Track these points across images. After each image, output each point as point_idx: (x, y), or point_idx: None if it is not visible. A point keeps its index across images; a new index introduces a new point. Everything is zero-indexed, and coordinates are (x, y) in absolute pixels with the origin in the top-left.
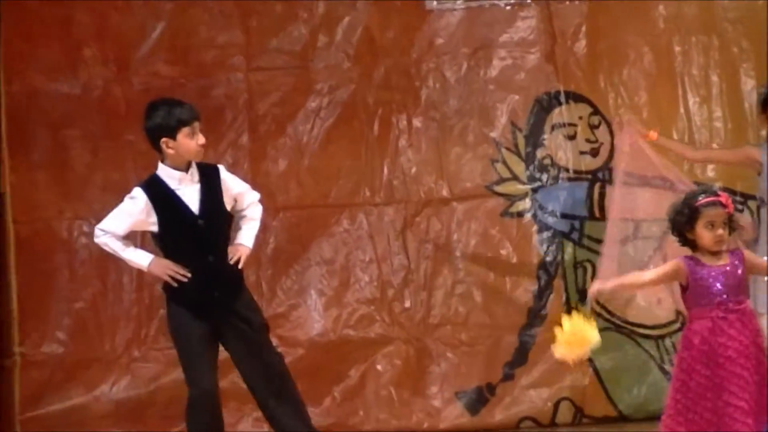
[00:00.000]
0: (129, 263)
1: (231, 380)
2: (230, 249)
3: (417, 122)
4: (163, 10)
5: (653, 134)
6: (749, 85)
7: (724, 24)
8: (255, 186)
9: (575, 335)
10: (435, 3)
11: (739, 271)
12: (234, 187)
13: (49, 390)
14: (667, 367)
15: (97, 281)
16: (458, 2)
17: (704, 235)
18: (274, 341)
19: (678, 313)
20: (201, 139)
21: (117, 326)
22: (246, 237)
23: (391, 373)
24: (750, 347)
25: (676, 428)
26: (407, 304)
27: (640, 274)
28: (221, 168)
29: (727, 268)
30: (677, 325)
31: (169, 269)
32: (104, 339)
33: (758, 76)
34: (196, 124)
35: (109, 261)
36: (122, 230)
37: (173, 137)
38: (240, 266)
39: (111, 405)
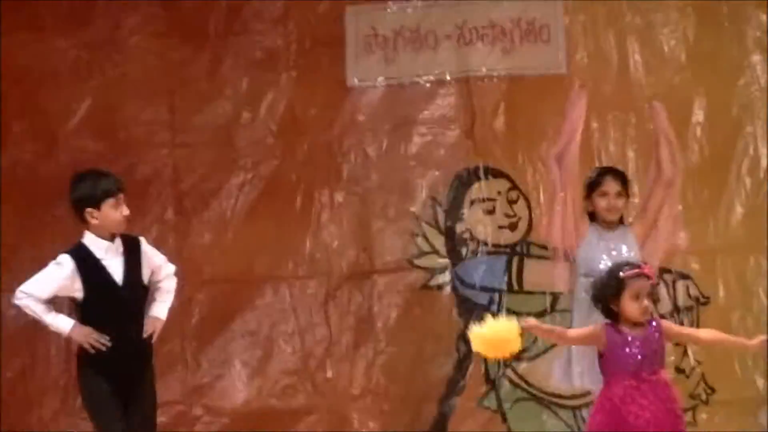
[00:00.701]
0: (50, 327)
1: None
2: (146, 322)
3: (339, 197)
4: (89, 87)
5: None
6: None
7: (641, 102)
8: (180, 259)
9: (497, 337)
10: (356, 80)
11: (657, 341)
12: (153, 259)
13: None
14: None
15: (26, 353)
16: (379, 80)
17: (630, 306)
18: (200, 412)
19: None
20: (125, 211)
21: (45, 396)
22: (160, 310)
23: None
24: (662, 418)
25: None
26: (329, 374)
27: (565, 330)
28: (142, 240)
29: (648, 336)
30: (593, 396)
31: (90, 336)
32: (33, 409)
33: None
34: (121, 196)
35: (37, 333)
36: (46, 294)
37: (98, 208)
38: (153, 339)
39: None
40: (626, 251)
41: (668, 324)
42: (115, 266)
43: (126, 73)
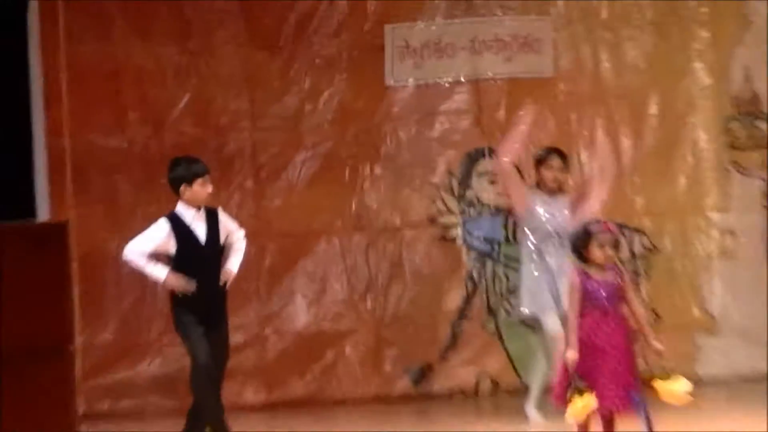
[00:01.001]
0: (150, 276)
1: (236, 361)
2: (222, 273)
3: (377, 170)
4: (188, 85)
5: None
6: (626, 144)
7: (609, 98)
8: (256, 218)
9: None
10: (392, 81)
11: (618, 283)
12: (228, 225)
13: (103, 367)
14: None
15: (138, 288)
16: (410, 80)
17: (596, 252)
18: (269, 332)
19: None
20: (210, 188)
21: (152, 320)
22: (233, 264)
23: (356, 356)
24: (621, 343)
25: (563, 398)
26: (369, 305)
27: (572, 319)
28: (220, 210)
29: (609, 280)
30: None
31: (180, 282)
32: (142, 330)
33: (634, 137)
34: (207, 177)
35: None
36: (148, 250)
37: (190, 185)
38: (227, 286)
39: (148, 379)
40: (562, 213)
41: (627, 284)
42: (199, 230)
43: (217, 74)
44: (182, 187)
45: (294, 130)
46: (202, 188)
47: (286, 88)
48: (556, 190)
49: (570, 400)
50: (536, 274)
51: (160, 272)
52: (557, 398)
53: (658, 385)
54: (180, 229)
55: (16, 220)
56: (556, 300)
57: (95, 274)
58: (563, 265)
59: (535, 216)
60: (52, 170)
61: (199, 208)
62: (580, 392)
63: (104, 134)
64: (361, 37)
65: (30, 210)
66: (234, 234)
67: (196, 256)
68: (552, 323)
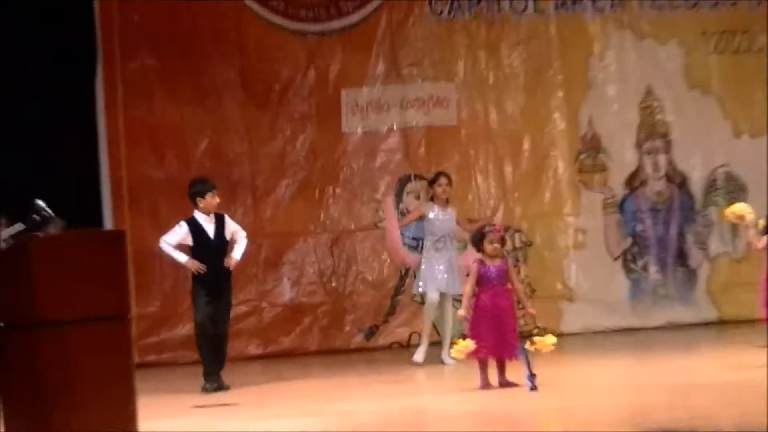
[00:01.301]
0: (175, 260)
1: (242, 324)
2: (228, 260)
3: (338, 190)
4: (206, 133)
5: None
6: (509, 170)
7: (496, 138)
8: (254, 224)
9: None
10: (347, 129)
11: (504, 269)
12: (231, 227)
13: (150, 330)
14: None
15: (173, 275)
16: (359, 129)
17: (488, 247)
18: (265, 305)
19: None
20: (217, 199)
21: (183, 297)
22: (236, 253)
23: (325, 320)
24: (508, 309)
25: (477, 352)
26: (334, 284)
27: (466, 288)
28: (226, 216)
29: (498, 265)
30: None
31: (196, 265)
32: (177, 304)
33: (513, 165)
34: (215, 191)
35: (179, 267)
36: (174, 242)
37: (204, 197)
38: (231, 269)
39: (181, 338)
40: (451, 219)
41: (510, 269)
42: (209, 229)
43: (226, 125)
44: (198, 199)
45: (280, 163)
46: (212, 199)
47: (274, 135)
48: (445, 202)
49: (453, 344)
50: (432, 264)
51: (182, 258)
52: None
53: (536, 339)
54: (195, 228)
55: (90, 228)
56: (444, 281)
57: (144, 266)
58: (452, 256)
59: (432, 223)
60: (113, 194)
61: (209, 214)
62: (463, 338)
63: (150, 168)
64: (325, 98)
65: (99, 222)
66: (238, 233)
67: (206, 248)
68: (432, 297)
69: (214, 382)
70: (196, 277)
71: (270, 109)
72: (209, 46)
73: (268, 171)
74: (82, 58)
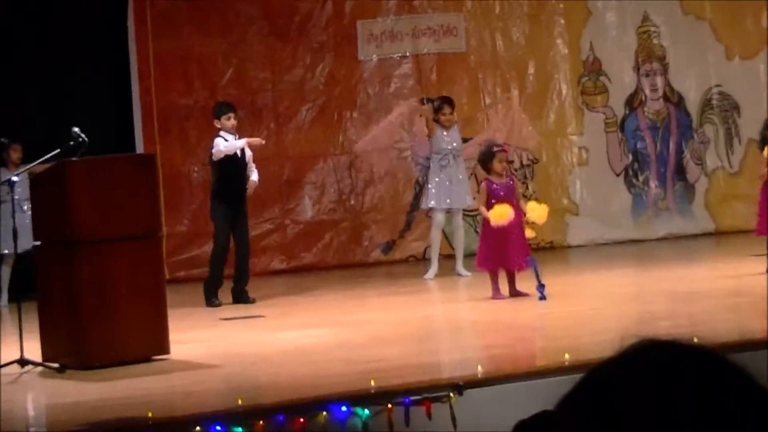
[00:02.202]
0: (236, 147)
1: (267, 241)
2: (249, 183)
3: (355, 114)
4: (232, 63)
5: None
6: (515, 93)
7: (503, 64)
8: (277, 147)
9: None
10: (363, 57)
11: (511, 186)
12: (248, 152)
13: (179, 248)
14: (477, 229)
15: (200, 196)
16: (374, 56)
17: (497, 165)
18: (288, 222)
19: None
20: (233, 122)
21: (208, 218)
22: (255, 178)
23: (345, 236)
24: (516, 222)
25: (483, 261)
26: (352, 202)
27: (482, 207)
28: (245, 140)
29: (505, 183)
30: None
31: (256, 140)
32: (203, 223)
33: (520, 88)
34: (231, 114)
35: (206, 188)
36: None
37: (220, 120)
38: (249, 193)
39: (208, 255)
40: (456, 137)
41: (516, 185)
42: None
43: (249, 55)
44: (215, 121)
45: (300, 90)
46: (227, 121)
47: (294, 63)
48: (449, 125)
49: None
50: (437, 180)
51: (224, 147)
52: (478, 263)
53: (532, 205)
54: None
55: (123, 152)
56: (451, 197)
57: (173, 187)
58: (458, 173)
59: (437, 140)
60: (144, 120)
61: (234, 135)
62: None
63: (178, 95)
64: (342, 29)
65: (131, 146)
66: (251, 162)
67: (234, 163)
68: (437, 218)
69: (217, 297)
70: (219, 195)
71: (291, 40)
72: None
73: (289, 97)
74: None
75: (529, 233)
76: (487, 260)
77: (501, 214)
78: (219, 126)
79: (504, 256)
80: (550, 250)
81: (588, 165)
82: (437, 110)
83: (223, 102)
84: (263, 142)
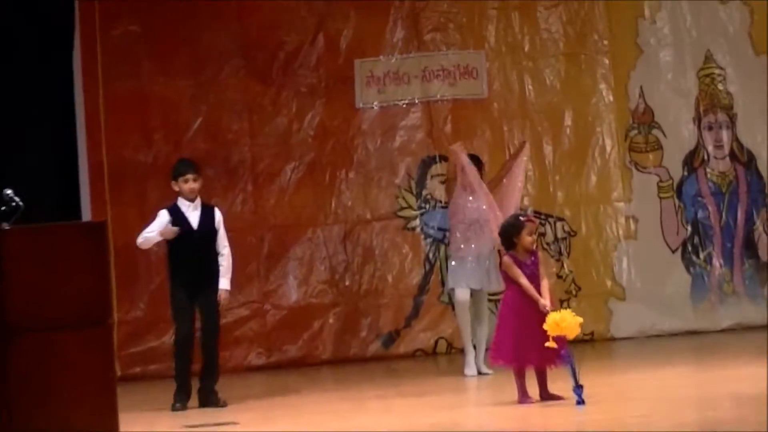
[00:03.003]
0: (150, 240)
1: (242, 331)
2: (219, 294)
3: (351, 174)
4: (201, 110)
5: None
6: (548, 150)
7: (533, 113)
8: (255, 214)
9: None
10: (361, 104)
11: (536, 264)
12: (221, 228)
13: (134, 338)
14: None
15: (162, 272)
16: (375, 103)
17: (526, 239)
18: (268, 307)
19: None
20: (192, 185)
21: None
22: (224, 283)
23: (337, 325)
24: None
25: (498, 356)
26: (347, 282)
27: (524, 283)
28: (218, 212)
29: (529, 262)
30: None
31: (170, 230)
32: (166, 307)
33: (554, 143)
34: (191, 175)
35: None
36: (150, 230)
37: (177, 182)
38: (221, 306)
39: (170, 347)
40: (482, 207)
41: (541, 260)
42: (192, 218)
43: (222, 101)
44: (172, 183)
45: (284, 144)
46: (185, 184)
47: (278, 111)
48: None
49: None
50: (460, 255)
51: (153, 233)
52: (493, 357)
53: (558, 317)
54: (177, 215)
55: (65, 220)
56: (477, 276)
57: (128, 263)
58: (485, 247)
59: (459, 207)
60: (93, 181)
61: (193, 201)
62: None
63: (134, 151)
64: (336, 70)
65: (77, 212)
66: (221, 243)
67: (188, 240)
68: (460, 295)
69: (182, 401)
70: (176, 275)
71: (273, 82)
72: (204, 9)
73: (271, 153)
74: (57, 24)
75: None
76: (507, 354)
77: (563, 325)
78: (176, 189)
79: (531, 349)
80: (590, 342)
81: (637, 239)
82: (464, 169)
83: (181, 160)
84: (177, 231)
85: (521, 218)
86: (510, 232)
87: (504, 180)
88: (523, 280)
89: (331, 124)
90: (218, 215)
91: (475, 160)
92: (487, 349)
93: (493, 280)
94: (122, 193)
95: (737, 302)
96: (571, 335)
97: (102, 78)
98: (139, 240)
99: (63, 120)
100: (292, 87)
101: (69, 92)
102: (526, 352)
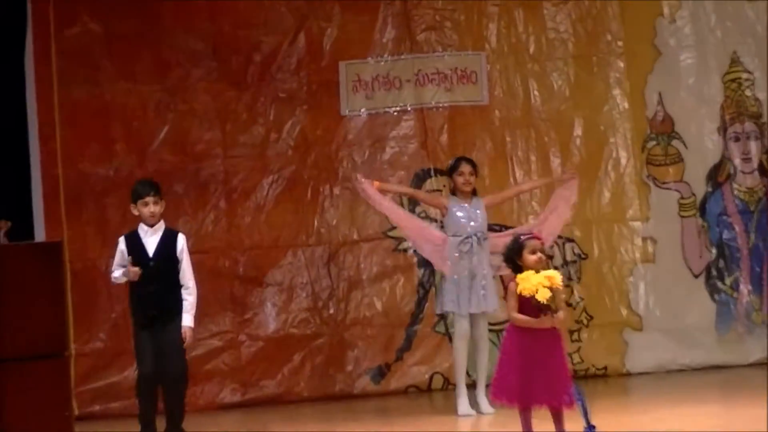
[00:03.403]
0: (119, 280)
1: (214, 364)
2: (182, 331)
3: (336, 190)
4: (167, 119)
5: (377, 183)
6: (556, 162)
7: (539, 122)
8: (229, 234)
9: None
10: (347, 111)
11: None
12: (184, 260)
13: (94, 372)
14: None
15: (125, 299)
16: (362, 110)
17: (529, 258)
18: (243, 338)
19: None
20: (151, 208)
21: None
22: (188, 320)
23: (321, 357)
24: (558, 342)
25: (499, 394)
26: (331, 311)
27: (516, 317)
28: (182, 238)
29: None
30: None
31: (134, 272)
32: (130, 338)
33: (562, 155)
34: (150, 198)
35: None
36: (118, 264)
37: (136, 205)
38: (186, 344)
39: (133, 381)
40: (480, 214)
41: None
42: (149, 244)
43: (192, 108)
44: (131, 207)
45: (261, 156)
46: (144, 208)
47: (253, 120)
48: (469, 194)
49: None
50: (455, 277)
51: (117, 273)
52: (495, 394)
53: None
54: (134, 243)
55: (16, 240)
56: (475, 298)
57: (87, 288)
58: (483, 262)
59: (454, 221)
60: (47, 196)
61: (152, 226)
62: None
63: (93, 164)
64: (319, 73)
65: (29, 231)
66: (186, 276)
67: (144, 270)
68: (460, 326)
69: None
70: (134, 310)
71: (249, 87)
72: (171, 7)
73: (246, 166)
74: (6, 23)
75: (541, 295)
76: (511, 391)
77: (535, 282)
78: (136, 214)
79: (538, 386)
80: (603, 378)
81: (655, 262)
82: (452, 171)
83: (140, 181)
84: (138, 273)
85: (521, 237)
86: (511, 255)
87: (549, 216)
88: (513, 313)
89: (313, 133)
90: (181, 241)
91: (466, 159)
92: (487, 385)
93: (491, 300)
94: (80, 211)
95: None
96: (541, 296)
97: (57, 82)
98: (114, 274)
99: (14, 129)
100: (270, 92)
101: (20, 98)
102: (533, 390)
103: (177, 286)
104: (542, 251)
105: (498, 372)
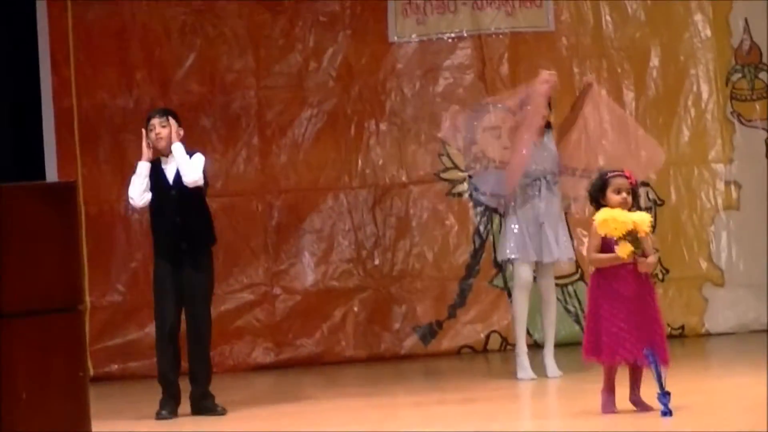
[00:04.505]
0: (141, 181)
1: (246, 320)
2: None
3: (383, 126)
4: (194, 44)
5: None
6: (630, 96)
7: (611, 51)
8: (263, 175)
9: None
10: (396, 38)
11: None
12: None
13: (111, 328)
14: (569, 307)
15: (146, 246)
16: (413, 36)
17: (612, 198)
18: (278, 291)
19: (578, 266)
20: (159, 131)
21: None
22: (192, 177)
23: (364, 314)
24: (651, 292)
25: (591, 352)
26: (377, 261)
27: (596, 257)
28: (198, 154)
29: None
30: (576, 276)
31: (146, 153)
32: (150, 290)
33: (636, 89)
34: (154, 122)
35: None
36: (140, 190)
37: (147, 130)
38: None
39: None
40: (550, 154)
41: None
42: (169, 172)
43: (222, 32)
44: (144, 139)
45: (299, 87)
46: (151, 133)
47: (291, 46)
48: (541, 129)
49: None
50: (518, 218)
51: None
52: (587, 353)
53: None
54: (154, 172)
55: (24, 180)
56: (540, 245)
57: (103, 234)
58: (553, 208)
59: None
60: (59, 131)
61: (165, 153)
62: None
63: (111, 94)
64: None
65: (39, 170)
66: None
67: (164, 200)
68: (522, 275)
69: (169, 408)
70: (155, 247)
71: (285, 9)
72: None
73: (282, 98)
74: None
75: (623, 251)
76: (604, 348)
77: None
78: (148, 144)
79: (631, 341)
80: (680, 338)
81: (740, 209)
82: (520, 107)
83: (153, 109)
84: (151, 149)
85: (607, 174)
86: (593, 193)
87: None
88: (593, 254)
89: (357, 62)
90: (198, 156)
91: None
92: (557, 345)
93: (562, 248)
94: (96, 147)
95: None
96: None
97: (71, 1)
98: (128, 192)
99: (22, 56)
100: (309, 15)
101: (31, 20)
102: (625, 343)
103: (203, 214)
104: (629, 191)
105: (587, 330)
